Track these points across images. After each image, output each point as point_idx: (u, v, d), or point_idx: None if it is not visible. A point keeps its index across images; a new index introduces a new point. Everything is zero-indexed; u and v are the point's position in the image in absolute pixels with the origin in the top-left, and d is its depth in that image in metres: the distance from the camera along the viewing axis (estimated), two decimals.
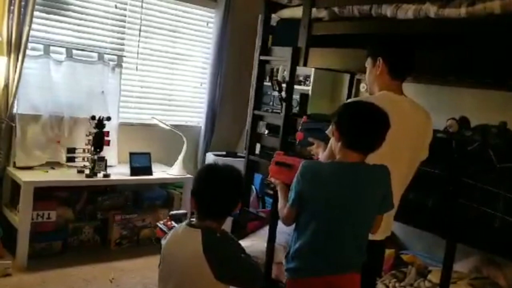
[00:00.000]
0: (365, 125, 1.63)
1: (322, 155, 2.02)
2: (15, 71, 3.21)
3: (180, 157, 3.89)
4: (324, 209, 1.65)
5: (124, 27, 3.86)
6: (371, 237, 1.77)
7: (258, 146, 3.35)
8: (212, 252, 1.59)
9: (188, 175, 3.90)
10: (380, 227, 1.77)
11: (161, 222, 2.08)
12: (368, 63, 2.02)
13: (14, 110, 3.31)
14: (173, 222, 2.01)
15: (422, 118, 1.95)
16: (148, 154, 3.76)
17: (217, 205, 1.68)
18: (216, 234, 1.66)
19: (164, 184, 3.99)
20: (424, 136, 1.97)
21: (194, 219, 1.72)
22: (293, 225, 1.78)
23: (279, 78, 3.67)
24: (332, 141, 1.77)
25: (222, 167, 1.75)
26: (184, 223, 1.72)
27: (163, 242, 1.74)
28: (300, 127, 2.40)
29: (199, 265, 1.58)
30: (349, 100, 1.92)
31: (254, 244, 3.13)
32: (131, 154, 3.68)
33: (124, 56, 3.87)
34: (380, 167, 1.68)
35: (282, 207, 1.78)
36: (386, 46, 2.00)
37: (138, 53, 3.95)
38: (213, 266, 1.58)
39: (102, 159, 3.43)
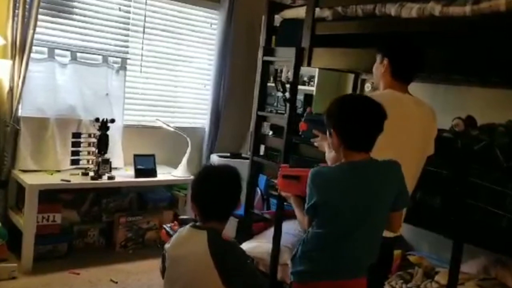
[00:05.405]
0: (364, 126, 1.60)
1: (328, 152, 2.00)
2: (20, 74, 3.22)
3: (185, 159, 3.89)
4: (337, 212, 1.61)
5: (128, 29, 3.87)
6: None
7: (262, 147, 3.34)
8: (219, 254, 1.59)
9: (193, 177, 3.88)
10: (401, 225, 1.73)
11: (168, 225, 2.07)
12: (378, 58, 2.03)
13: (19, 113, 3.32)
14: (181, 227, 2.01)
15: (427, 114, 1.96)
16: (153, 156, 3.76)
17: (217, 206, 1.68)
18: (221, 235, 1.66)
19: (169, 186, 3.99)
20: (430, 132, 1.98)
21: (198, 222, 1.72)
22: (298, 227, 1.76)
23: (283, 78, 3.65)
24: (332, 143, 1.70)
25: (218, 168, 1.79)
26: (188, 225, 1.72)
27: (167, 246, 1.74)
28: (304, 118, 2.39)
29: (206, 266, 1.58)
30: (340, 98, 1.73)
31: (259, 245, 3.12)
32: (135, 156, 3.67)
33: (128, 59, 3.87)
34: (391, 162, 1.65)
35: (302, 219, 1.74)
36: (394, 49, 2.00)
37: (142, 55, 3.96)
38: (219, 268, 1.58)
39: (107, 161, 3.43)
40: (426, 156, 2.00)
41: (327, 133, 1.69)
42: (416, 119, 1.90)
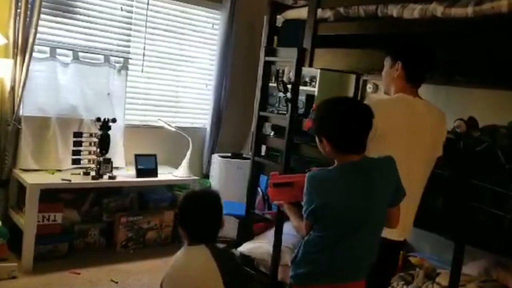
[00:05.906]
0: (355, 129, 1.60)
1: None
2: (22, 73, 3.21)
3: (186, 159, 3.89)
4: (337, 214, 1.60)
5: (130, 29, 3.87)
6: (390, 236, 1.73)
7: (263, 147, 3.34)
8: (221, 259, 1.66)
9: (194, 177, 3.89)
10: (399, 220, 1.72)
11: None
12: (387, 62, 2.02)
13: (21, 113, 3.32)
14: None
15: (437, 118, 1.99)
16: (154, 156, 3.75)
17: (206, 229, 1.78)
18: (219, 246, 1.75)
19: (170, 186, 3.99)
20: (439, 136, 2.01)
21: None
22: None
23: (285, 79, 3.66)
24: (324, 150, 1.66)
25: (202, 193, 1.94)
26: (181, 249, 1.79)
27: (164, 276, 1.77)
28: (309, 115, 2.39)
29: (210, 271, 1.64)
30: (325, 105, 1.69)
31: (260, 246, 3.12)
32: (136, 156, 3.67)
33: (130, 58, 3.87)
34: (387, 159, 1.64)
35: (299, 226, 1.72)
36: (408, 52, 1.99)
37: (144, 55, 3.96)
38: (222, 270, 1.63)
39: (108, 161, 3.43)
40: (436, 157, 2.01)
41: (317, 140, 1.67)
42: (427, 122, 1.92)
